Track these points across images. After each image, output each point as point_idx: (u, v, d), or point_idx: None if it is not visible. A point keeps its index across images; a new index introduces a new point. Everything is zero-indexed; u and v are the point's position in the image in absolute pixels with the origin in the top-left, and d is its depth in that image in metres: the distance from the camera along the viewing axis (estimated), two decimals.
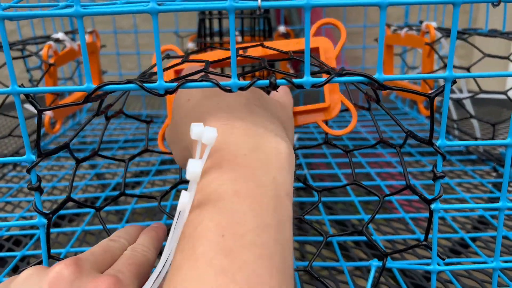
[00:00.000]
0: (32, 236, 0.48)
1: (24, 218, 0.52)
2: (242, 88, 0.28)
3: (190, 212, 0.24)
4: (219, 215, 0.23)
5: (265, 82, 0.28)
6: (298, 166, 0.64)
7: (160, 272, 0.25)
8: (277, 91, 0.33)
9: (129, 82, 0.27)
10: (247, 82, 0.28)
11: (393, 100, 0.94)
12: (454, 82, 0.29)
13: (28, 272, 0.27)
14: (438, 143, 0.30)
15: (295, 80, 0.28)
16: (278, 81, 0.28)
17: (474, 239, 0.46)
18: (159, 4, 0.26)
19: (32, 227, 0.50)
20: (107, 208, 0.53)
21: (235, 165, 0.26)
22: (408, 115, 0.86)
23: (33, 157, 0.29)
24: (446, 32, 0.56)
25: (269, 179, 0.26)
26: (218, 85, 0.27)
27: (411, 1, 0.28)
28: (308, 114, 0.39)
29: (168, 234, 0.29)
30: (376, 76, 0.28)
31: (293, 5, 0.27)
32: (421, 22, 0.60)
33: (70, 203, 0.52)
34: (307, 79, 0.28)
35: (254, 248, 0.22)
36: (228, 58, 0.34)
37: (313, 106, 0.39)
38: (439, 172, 0.30)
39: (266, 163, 0.26)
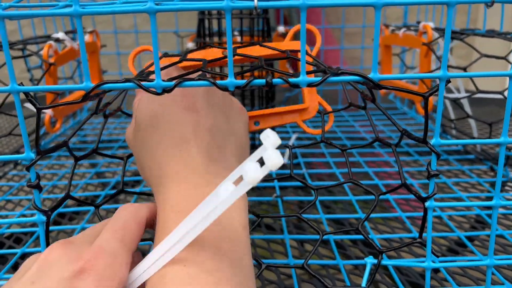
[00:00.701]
0: (32, 234, 0.49)
1: (25, 216, 0.52)
2: (238, 87, 0.28)
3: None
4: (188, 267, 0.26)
5: (261, 81, 0.28)
6: (296, 165, 0.64)
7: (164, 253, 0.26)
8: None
9: (127, 80, 0.28)
10: (244, 81, 0.28)
11: (392, 100, 0.94)
12: (448, 81, 0.30)
13: (26, 261, 0.28)
14: (432, 141, 0.30)
15: (291, 80, 0.28)
16: (274, 80, 0.28)
17: (471, 239, 0.47)
18: (156, 4, 0.26)
19: (32, 225, 0.51)
20: (107, 206, 0.54)
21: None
22: (407, 114, 0.86)
23: (33, 155, 0.29)
24: (443, 33, 0.56)
25: (229, 222, 0.29)
26: (214, 83, 0.28)
27: (406, 2, 0.28)
28: (287, 115, 0.40)
29: None
30: (371, 75, 0.29)
31: (289, 5, 0.27)
32: (418, 22, 0.60)
33: (70, 202, 0.53)
34: (302, 78, 0.28)
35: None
36: (225, 57, 0.34)
37: (293, 107, 0.40)
38: (433, 171, 0.31)
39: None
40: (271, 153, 0.23)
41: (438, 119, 0.30)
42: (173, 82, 0.27)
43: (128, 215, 0.30)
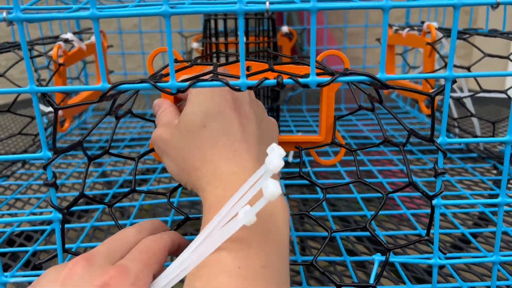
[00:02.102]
0: (42, 232, 0.50)
1: (34, 214, 0.53)
2: (250, 88, 0.29)
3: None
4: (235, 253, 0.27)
5: (273, 82, 0.29)
6: (302, 164, 0.65)
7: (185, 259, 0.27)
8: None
9: (142, 81, 0.28)
10: (255, 81, 0.29)
11: (395, 99, 0.95)
12: (454, 81, 0.31)
13: (48, 271, 0.28)
14: (439, 140, 0.31)
15: (301, 80, 0.29)
16: (285, 80, 0.29)
17: (475, 235, 0.47)
18: (171, 7, 0.27)
19: (42, 223, 0.51)
20: (116, 205, 0.54)
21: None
22: (409, 114, 0.87)
23: (50, 154, 0.30)
24: (447, 32, 0.57)
25: (278, 235, 0.29)
26: (227, 84, 0.28)
27: (413, 4, 0.29)
28: (302, 144, 0.42)
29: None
30: (378, 75, 0.29)
31: (300, 8, 0.28)
32: (422, 22, 0.61)
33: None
34: (312, 78, 0.29)
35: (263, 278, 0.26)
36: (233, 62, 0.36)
37: (309, 138, 0.42)
38: (440, 169, 0.32)
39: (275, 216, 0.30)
40: (269, 183, 0.25)
41: (444, 118, 0.31)
42: (187, 83, 0.28)
43: (153, 241, 0.31)
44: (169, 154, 0.35)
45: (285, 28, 0.80)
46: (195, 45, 0.76)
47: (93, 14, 0.27)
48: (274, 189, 0.24)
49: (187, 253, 0.28)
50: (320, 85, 0.30)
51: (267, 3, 0.28)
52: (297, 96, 1.01)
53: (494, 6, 0.30)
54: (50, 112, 0.58)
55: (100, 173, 0.66)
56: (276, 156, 0.25)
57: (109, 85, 0.28)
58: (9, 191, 0.60)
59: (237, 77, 0.29)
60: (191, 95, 0.35)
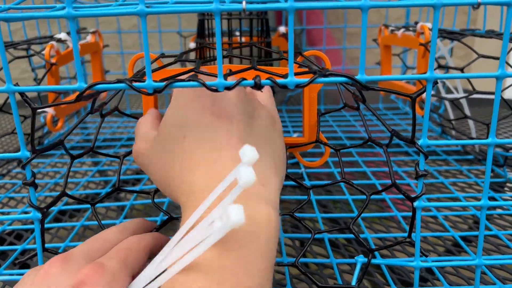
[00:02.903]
0: (33, 230, 0.50)
1: (26, 213, 0.53)
2: (228, 88, 0.29)
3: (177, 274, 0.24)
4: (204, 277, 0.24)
5: (250, 82, 0.29)
6: (295, 164, 0.65)
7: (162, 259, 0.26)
8: (261, 91, 0.33)
9: (119, 81, 0.28)
10: (233, 82, 0.29)
11: (394, 100, 0.94)
12: (436, 82, 0.30)
13: (26, 274, 0.28)
14: (420, 142, 0.31)
15: (279, 81, 0.29)
16: (263, 81, 0.29)
17: (469, 239, 0.47)
18: (147, 7, 0.27)
19: (32, 222, 0.51)
20: (107, 204, 0.55)
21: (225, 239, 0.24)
22: (408, 114, 0.86)
23: (28, 154, 0.30)
24: (441, 33, 0.57)
25: (257, 254, 0.25)
26: (204, 85, 0.28)
27: (392, 4, 0.29)
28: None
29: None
30: (358, 77, 0.29)
31: (276, 7, 0.28)
32: (416, 23, 0.60)
33: (71, 200, 0.54)
34: (291, 79, 0.29)
35: None
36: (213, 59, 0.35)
37: (292, 140, 0.41)
38: (421, 171, 0.31)
39: (256, 236, 0.26)
40: (244, 170, 0.23)
41: (425, 119, 0.30)
42: (163, 83, 0.28)
43: (133, 241, 0.31)
44: (149, 171, 0.33)
45: (282, 29, 0.80)
46: (192, 45, 0.76)
47: (69, 14, 0.27)
48: (248, 176, 0.22)
49: (164, 254, 0.27)
50: (299, 86, 0.29)
51: (244, 2, 0.28)
52: (297, 96, 1.01)
53: (475, 6, 0.29)
54: (43, 112, 0.58)
55: (95, 173, 0.66)
56: (244, 170, 0.23)
57: (85, 85, 0.28)
58: (3, 189, 0.61)
59: (215, 76, 0.29)
60: (172, 99, 0.33)
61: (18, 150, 0.72)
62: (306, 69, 0.33)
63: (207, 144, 0.29)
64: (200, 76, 0.29)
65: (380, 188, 0.56)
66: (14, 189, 0.60)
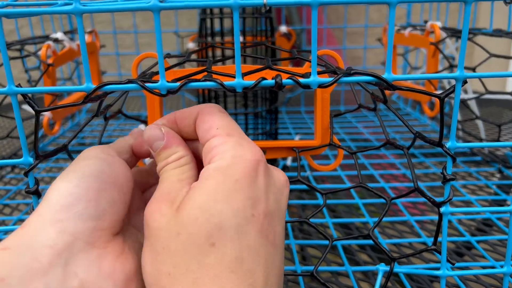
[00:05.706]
0: None
1: (22, 221, 0.51)
2: (246, 88, 0.27)
3: None
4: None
5: (271, 82, 0.27)
6: (301, 167, 0.63)
7: None
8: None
9: (130, 82, 0.26)
10: (252, 82, 0.27)
11: (395, 101, 0.93)
12: (465, 82, 0.29)
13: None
14: (448, 145, 0.29)
15: (301, 80, 0.27)
16: (284, 81, 0.27)
17: (479, 242, 0.45)
18: (160, 1, 0.25)
19: None
20: None
21: None
22: (410, 115, 0.85)
23: (31, 160, 0.28)
24: (451, 32, 0.55)
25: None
26: (222, 84, 0.26)
27: None
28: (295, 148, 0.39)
29: None
30: (385, 75, 0.27)
31: (300, 3, 0.26)
32: (425, 21, 0.59)
33: None
34: (314, 78, 0.27)
35: None
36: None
37: (304, 143, 0.39)
38: (449, 175, 0.30)
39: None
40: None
41: (454, 121, 0.29)
42: (178, 83, 0.26)
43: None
44: (154, 247, 0.24)
45: (283, 28, 0.78)
46: (191, 45, 0.74)
47: (76, 9, 0.25)
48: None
49: None
50: (322, 85, 0.28)
51: None
52: (296, 98, 0.99)
53: (508, 1, 0.28)
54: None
55: None
56: None
57: (94, 86, 0.26)
58: None
59: (232, 76, 0.27)
60: (203, 175, 0.25)
61: (12, 154, 0.70)
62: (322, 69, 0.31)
63: (240, 264, 0.23)
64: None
65: (389, 190, 0.55)
66: (9, 195, 0.57)
